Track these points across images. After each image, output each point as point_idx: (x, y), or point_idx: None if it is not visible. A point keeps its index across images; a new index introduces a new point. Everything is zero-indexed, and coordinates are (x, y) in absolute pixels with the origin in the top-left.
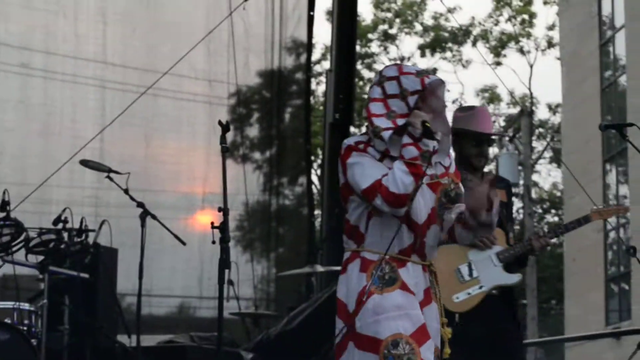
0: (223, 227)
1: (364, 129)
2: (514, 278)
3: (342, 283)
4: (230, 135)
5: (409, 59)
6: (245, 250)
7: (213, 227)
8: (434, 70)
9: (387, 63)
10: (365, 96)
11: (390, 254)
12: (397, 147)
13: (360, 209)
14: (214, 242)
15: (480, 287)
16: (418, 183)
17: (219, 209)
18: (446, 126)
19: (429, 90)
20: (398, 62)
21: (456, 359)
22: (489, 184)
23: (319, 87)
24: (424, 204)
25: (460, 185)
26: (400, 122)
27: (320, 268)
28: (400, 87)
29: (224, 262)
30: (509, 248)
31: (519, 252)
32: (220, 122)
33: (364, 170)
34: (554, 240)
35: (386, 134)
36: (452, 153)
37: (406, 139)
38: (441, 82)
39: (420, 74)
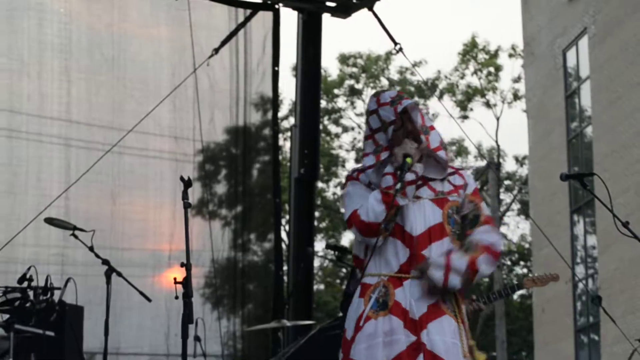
0: (186, 283)
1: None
2: None
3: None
4: (197, 192)
5: None
6: (214, 307)
7: (176, 282)
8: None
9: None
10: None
11: (388, 274)
12: (379, 176)
13: (357, 236)
14: (177, 298)
15: None
16: (389, 212)
17: (182, 264)
18: (435, 141)
19: (405, 116)
20: (378, 90)
21: None
22: None
23: (287, 142)
24: (422, 219)
25: (482, 205)
26: (384, 155)
27: (287, 323)
28: (380, 119)
29: (187, 317)
30: None
31: None
32: (182, 178)
33: (348, 201)
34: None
35: (368, 172)
36: (470, 175)
37: (388, 168)
38: (414, 105)
39: (394, 102)
